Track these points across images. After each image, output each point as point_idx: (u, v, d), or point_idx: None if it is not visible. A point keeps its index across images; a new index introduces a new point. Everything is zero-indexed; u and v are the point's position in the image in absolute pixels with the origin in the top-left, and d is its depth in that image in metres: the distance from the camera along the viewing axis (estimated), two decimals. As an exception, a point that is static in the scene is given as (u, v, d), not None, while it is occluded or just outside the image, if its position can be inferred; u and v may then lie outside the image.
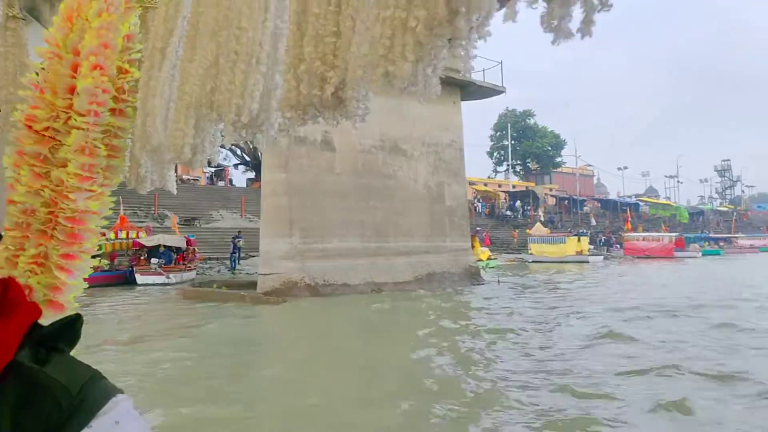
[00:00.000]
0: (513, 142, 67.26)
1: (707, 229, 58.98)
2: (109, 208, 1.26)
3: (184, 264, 21.78)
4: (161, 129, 1.37)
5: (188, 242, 22.35)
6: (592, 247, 43.55)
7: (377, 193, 17.20)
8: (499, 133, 66.53)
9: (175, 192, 1.65)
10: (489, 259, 30.38)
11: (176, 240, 21.96)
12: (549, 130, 67.84)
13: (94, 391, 0.68)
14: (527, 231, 39.81)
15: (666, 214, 63.83)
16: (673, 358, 7.47)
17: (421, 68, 1.13)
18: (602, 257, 36.87)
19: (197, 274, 22.31)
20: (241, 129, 1.35)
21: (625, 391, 5.97)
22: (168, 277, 20.06)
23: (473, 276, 18.90)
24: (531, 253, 38.02)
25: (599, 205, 62.16)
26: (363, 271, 16.39)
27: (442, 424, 5.19)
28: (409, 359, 7.76)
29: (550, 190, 66.88)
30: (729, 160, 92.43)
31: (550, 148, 66.91)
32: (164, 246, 21.42)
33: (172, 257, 21.61)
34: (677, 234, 43.37)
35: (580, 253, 36.29)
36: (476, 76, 20.67)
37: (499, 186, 63.08)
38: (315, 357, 8.32)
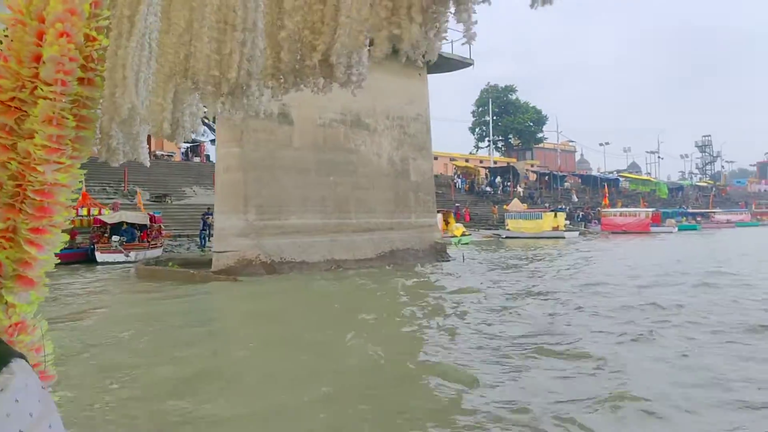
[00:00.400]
0: (495, 117, 66.83)
1: (686, 204, 59.20)
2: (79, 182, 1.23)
3: (148, 242, 21.30)
4: (134, 100, 1.31)
5: (152, 219, 21.84)
6: (569, 222, 43.63)
7: (339, 168, 16.77)
8: (481, 109, 66.02)
9: (147, 164, 1.55)
10: (463, 235, 30.21)
11: (139, 217, 21.44)
12: (531, 105, 67.38)
13: None
14: (504, 207, 39.58)
15: (646, 190, 64.00)
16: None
17: (424, 31, 1.09)
18: (578, 233, 36.80)
19: (165, 251, 21.85)
20: (222, 100, 1.32)
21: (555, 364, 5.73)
22: (127, 255, 19.60)
23: (439, 253, 18.62)
24: (508, 229, 37.92)
25: (580, 180, 62.07)
26: (323, 248, 16.04)
27: (355, 405, 4.88)
28: (343, 340, 7.44)
29: (531, 166, 66.72)
30: (709, 135, 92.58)
31: (531, 124, 66.64)
32: (126, 223, 20.92)
33: (135, 235, 21.12)
34: (653, 209, 43.47)
35: (556, 228, 36.23)
36: (445, 48, 20.13)
37: (481, 162, 62.85)
38: (254, 337, 7.99)
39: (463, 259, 18.56)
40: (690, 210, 52.88)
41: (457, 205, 45.82)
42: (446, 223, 31.58)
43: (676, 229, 41.43)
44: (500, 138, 68.83)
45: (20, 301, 1.14)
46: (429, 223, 18.98)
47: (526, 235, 36.14)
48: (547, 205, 48.00)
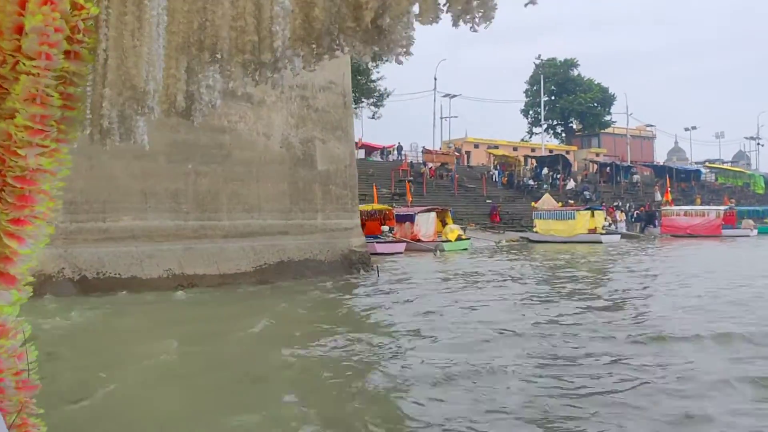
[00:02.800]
0: (552, 97, 62.06)
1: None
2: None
3: None
4: (146, 70, 1.34)
5: None
6: (623, 223, 39.13)
7: (203, 152, 13.88)
8: (534, 88, 61.28)
9: (147, 147, 1.62)
10: (459, 239, 26.80)
11: None
12: (595, 82, 62.02)
13: None
14: (533, 204, 35.59)
15: (737, 183, 57.68)
16: None
17: None
18: (619, 236, 32.37)
19: None
20: (249, 72, 1.41)
21: None
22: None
23: (353, 264, 15.40)
24: (536, 231, 34.00)
25: (653, 172, 56.50)
26: (170, 260, 13.20)
27: None
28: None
29: (597, 155, 61.68)
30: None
31: (596, 105, 61.25)
32: None
33: None
34: (728, 207, 38.10)
35: (593, 231, 31.99)
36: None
37: (533, 151, 58.49)
38: None
39: (378, 274, 15.23)
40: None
41: (489, 201, 42.09)
42: (443, 223, 28.25)
43: (756, 231, 36.13)
44: (559, 122, 63.85)
45: (0, 302, 1.17)
46: (344, 225, 15.78)
47: (557, 239, 32.13)
48: (602, 202, 43.35)
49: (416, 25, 1.28)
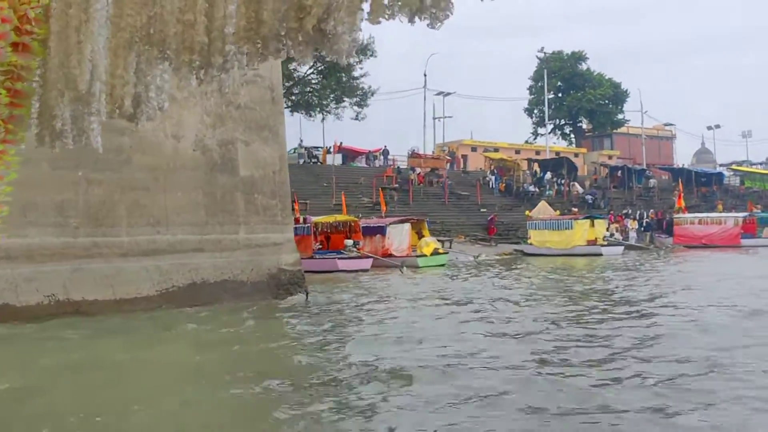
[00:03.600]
0: (559, 94, 60.94)
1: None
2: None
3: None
4: (90, 70, 1.37)
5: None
6: (633, 233, 37.96)
7: (97, 158, 12.71)
8: (539, 84, 60.14)
9: (101, 150, 1.69)
10: (436, 253, 25.73)
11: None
12: (606, 77, 60.82)
13: None
14: (527, 213, 34.46)
15: (765, 187, 56.28)
16: None
17: None
18: (622, 248, 31.18)
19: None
20: (195, 70, 1.54)
21: None
22: None
23: (282, 286, 14.28)
24: (530, 243, 32.87)
25: (670, 176, 55.23)
26: (53, 283, 12.11)
27: None
28: None
29: (610, 158, 60.54)
30: None
31: (607, 102, 60.04)
32: None
33: None
34: (747, 214, 36.88)
35: (593, 242, 30.83)
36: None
37: (537, 153, 57.38)
38: None
39: (306, 297, 14.11)
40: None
41: (483, 210, 40.94)
42: (419, 236, 27.17)
43: (778, 241, 34.93)
44: (567, 122, 62.67)
45: None
46: (273, 240, 14.65)
47: (553, 251, 31.01)
48: (609, 210, 42.16)
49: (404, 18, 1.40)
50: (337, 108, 48.63)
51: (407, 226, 26.16)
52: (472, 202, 42.87)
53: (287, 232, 15.14)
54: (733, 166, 62.22)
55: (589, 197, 44.06)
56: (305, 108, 47.94)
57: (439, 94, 54.83)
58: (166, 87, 1.66)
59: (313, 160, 46.13)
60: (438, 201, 41.97)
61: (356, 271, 23.03)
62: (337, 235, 25.70)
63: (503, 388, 6.11)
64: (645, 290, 15.55)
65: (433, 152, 52.21)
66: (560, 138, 63.49)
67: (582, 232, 30.74)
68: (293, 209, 30.42)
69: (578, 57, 61.29)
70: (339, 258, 23.51)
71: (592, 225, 31.18)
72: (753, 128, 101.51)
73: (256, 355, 8.70)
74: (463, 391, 6.02)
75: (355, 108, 48.78)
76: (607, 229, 32.39)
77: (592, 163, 55.06)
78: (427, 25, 1.43)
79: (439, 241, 32.07)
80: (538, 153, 56.42)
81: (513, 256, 32.20)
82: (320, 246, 25.16)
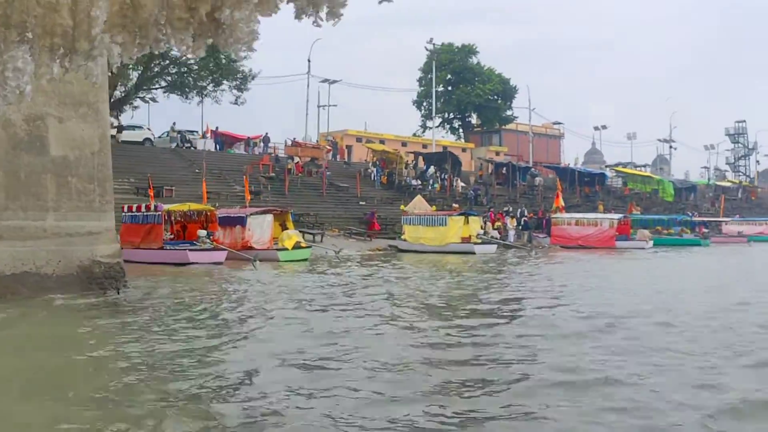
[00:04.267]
0: (449, 87, 61.76)
1: (693, 210, 54.43)
2: None
3: None
4: None
5: None
6: (512, 231, 38.79)
7: None
8: (429, 76, 60.79)
9: None
10: (297, 247, 25.22)
11: None
12: (496, 73, 62.19)
13: None
14: (401, 207, 34.55)
15: (646, 189, 59.29)
16: None
17: None
18: (495, 246, 31.76)
19: None
20: (63, 56, 1.57)
21: None
22: None
23: (95, 280, 13.43)
24: (404, 239, 32.93)
25: (555, 175, 57.05)
26: None
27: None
28: None
29: (497, 154, 61.96)
30: (744, 121, 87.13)
31: (496, 97, 61.42)
32: None
33: None
34: (620, 216, 38.50)
35: (467, 240, 31.21)
36: None
37: (424, 147, 57.91)
38: None
39: (118, 293, 13.31)
40: (696, 218, 48.03)
41: (362, 203, 40.80)
42: (283, 228, 26.59)
43: (651, 243, 36.66)
44: (456, 116, 63.66)
45: None
46: (88, 228, 13.80)
47: (427, 248, 31.19)
48: (491, 207, 43.01)
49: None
50: (215, 91, 47.21)
51: (269, 217, 25.59)
52: (351, 194, 42.66)
53: (106, 221, 14.30)
54: (617, 168, 65.06)
55: (471, 193, 44.72)
56: (180, 89, 46.18)
57: (324, 81, 54.45)
58: (28, 69, 1.74)
59: (186, 145, 44.52)
60: (316, 192, 41.52)
61: (209, 264, 22.26)
62: (195, 225, 24.77)
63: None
64: (494, 295, 15.68)
65: (317, 141, 51.65)
66: (449, 132, 64.54)
67: (456, 229, 31.17)
68: (147, 195, 29.30)
69: (469, 50, 62.51)
70: (190, 250, 22.63)
71: (467, 222, 31.53)
72: (638, 130, 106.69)
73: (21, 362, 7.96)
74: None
75: (235, 92, 47.53)
76: (482, 227, 32.88)
77: (477, 159, 56.13)
78: (313, 23, 1.62)
79: (309, 234, 31.85)
80: (425, 146, 57.02)
81: (385, 251, 32.17)
82: (173, 236, 24.12)
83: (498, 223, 39.17)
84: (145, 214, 23.75)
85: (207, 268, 21.47)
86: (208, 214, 24.62)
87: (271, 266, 22.99)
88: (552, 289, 16.34)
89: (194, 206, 25.07)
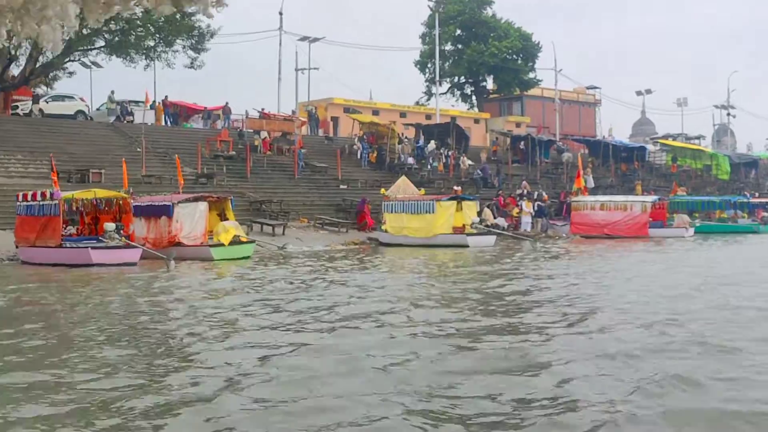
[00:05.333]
0: (458, 46, 59.72)
1: (755, 189, 52.39)
2: None
3: None
4: None
5: None
6: (528, 217, 36.89)
7: None
8: (434, 32, 58.78)
9: None
10: (237, 242, 23.60)
11: None
12: (515, 26, 60.04)
13: None
14: (382, 191, 32.72)
15: (696, 166, 57.08)
16: None
17: None
18: (494, 238, 29.92)
19: None
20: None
21: None
22: None
23: None
24: (385, 231, 31.15)
25: (587, 150, 54.99)
26: None
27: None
28: None
29: (518, 125, 59.89)
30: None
31: (515, 57, 59.26)
32: None
33: None
34: (655, 198, 36.57)
35: (461, 230, 29.38)
36: None
37: (428, 118, 56.01)
38: None
39: None
40: (753, 199, 46.03)
41: (343, 187, 38.94)
42: (223, 218, 24.92)
43: (692, 230, 34.81)
44: (468, 80, 61.61)
45: None
46: None
47: (411, 240, 29.42)
48: (500, 191, 41.02)
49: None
50: (166, 52, 45.59)
51: (203, 205, 23.89)
52: (331, 176, 40.84)
53: None
54: (661, 140, 62.75)
55: (478, 173, 42.71)
56: (123, 51, 44.51)
57: (303, 39, 52.18)
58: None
59: (129, 119, 42.89)
60: (286, 174, 39.71)
61: (119, 265, 20.61)
62: (107, 217, 23.09)
63: None
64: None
65: (293, 112, 49.82)
66: (459, 100, 62.52)
67: (446, 217, 29.40)
68: (72, 181, 27.63)
69: (482, 1, 60.21)
70: (93, 248, 20.94)
71: (460, 209, 29.67)
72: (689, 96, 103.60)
73: None
74: None
75: (190, 52, 45.85)
76: (478, 214, 30.98)
77: (492, 132, 54.13)
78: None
79: (268, 225, 30.16)
80: (429, 117, 55.03)
81: (362, 246, 30.39)
82: (74, 232, 22.49)
83: (515, 210, 37.36)
84: (41, 203, 22.05)
85: (115, 271, 19.81)
86: (121, 202, 22.85)
87: (202, 267, 21.31)
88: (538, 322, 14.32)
89: (101, 193, 23.32)
